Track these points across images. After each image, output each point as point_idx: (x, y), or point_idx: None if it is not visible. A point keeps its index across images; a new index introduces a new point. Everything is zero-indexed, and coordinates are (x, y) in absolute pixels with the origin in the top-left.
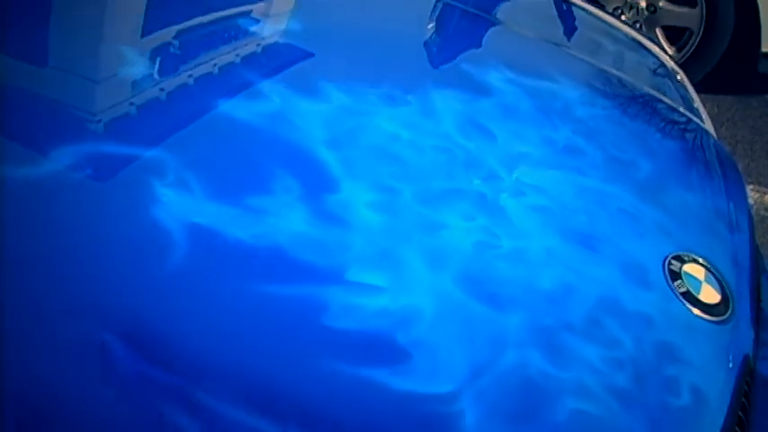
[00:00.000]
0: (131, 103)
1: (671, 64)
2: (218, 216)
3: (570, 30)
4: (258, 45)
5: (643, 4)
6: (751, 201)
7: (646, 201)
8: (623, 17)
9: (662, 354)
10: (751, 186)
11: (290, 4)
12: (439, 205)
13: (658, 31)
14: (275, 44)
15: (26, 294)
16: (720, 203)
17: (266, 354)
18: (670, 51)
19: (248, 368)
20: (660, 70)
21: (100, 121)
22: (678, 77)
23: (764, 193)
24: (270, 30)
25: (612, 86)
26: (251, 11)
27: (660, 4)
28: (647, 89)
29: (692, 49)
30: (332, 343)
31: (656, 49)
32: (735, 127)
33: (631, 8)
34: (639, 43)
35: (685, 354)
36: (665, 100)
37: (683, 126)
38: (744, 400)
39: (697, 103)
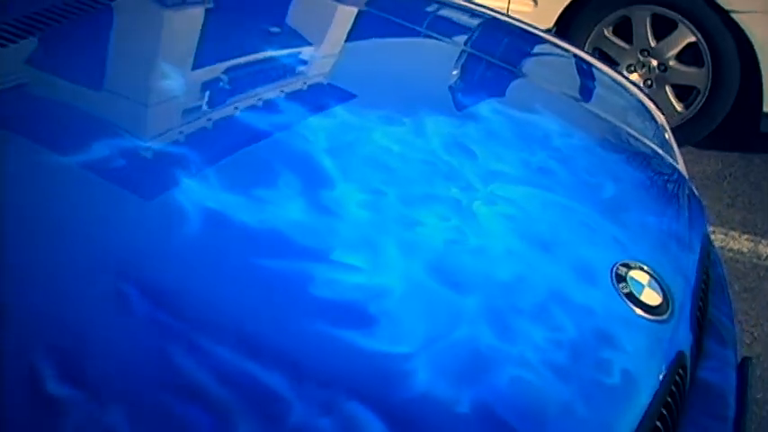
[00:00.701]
0: (166, 111)
1: (653, 108)
2: (229, 202)
3: (559, 71)
4: (281, 71)
5: (654, 63)
6: (745, 249)
7: (605, 217)
8: (636, 74)
9: (599, 340)
10: (746, 236)
11: (318, 41)
12: (418, 207)
13: (668, 89)
14: (296, 70)
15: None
16: (676, 228)
17: (260, 311)
18: (678, 108)
19: (244, 321)
20: (642, 114)
21: (139, 120)
22: (658, 121)
23: (758, 243)
24: (293, 59)
25: (592, 123)
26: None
27: (670, 63)
28: (625, 128)
29: (699, 106)
30: (314, 308)
31: (638, 93)
32: (736, 182)
33: (643, 66)
34: (624, 87)
35: (621, 342)
36: (642, 138)
37: (653, 161)
38: (674, 389)
39: (674, 145)
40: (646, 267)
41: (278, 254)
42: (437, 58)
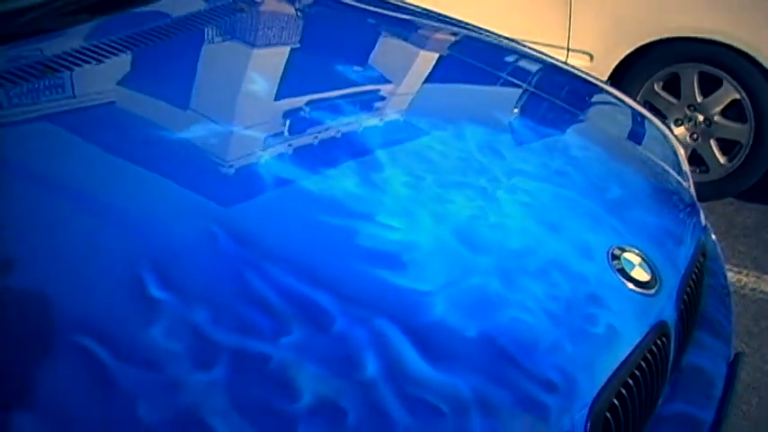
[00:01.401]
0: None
1: (669, 135)
2: (298, 174)
3: (589, 103)
4: (351, 84)
5: (701, 118)
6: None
7: (609, 212)
8: (683, 127)
9: (590, 300)
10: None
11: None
12: (451, 190)
13: (712, 142)
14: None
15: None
16: (673, 228)
17: (317, 251)
18: (722, 161)
19: (303, 256)
20: (657, 139)
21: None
22: (672, 145)
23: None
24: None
25: (609, 141)
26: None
27: (715, 118)
28: (640, 149)
29: (742, 160)
30: (358, 252)
31: (659, 123)
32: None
33: (690, 120)
34: (645, 117)
35: (609, 304)
36: (653, 157)
37: (660, 174)
38: (655, 350)
39: (684, 166)
40: (638, 251)
41: (333, 213)
42: (486, 87)
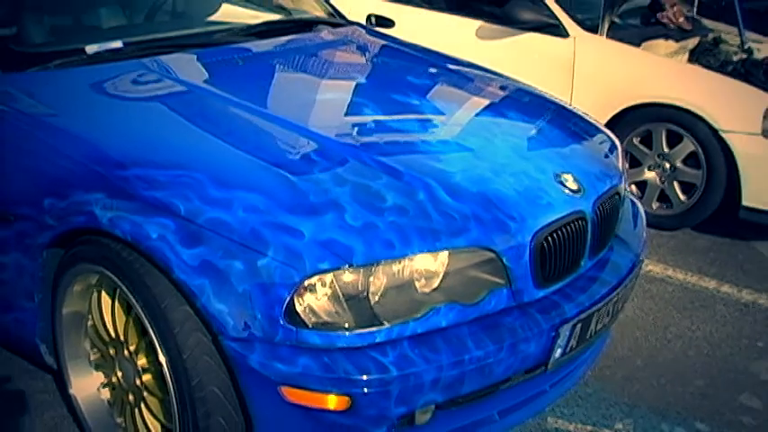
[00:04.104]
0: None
1: (611, 134)
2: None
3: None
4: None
5: (667, 165)
6: (710, 286)
7: (562, 158)
8: (654, 172)
9: (540, 189)
10: (715, 280)
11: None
12: (470, 137)
13: (675, 184)
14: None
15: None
16: (598, 170)
17: (399, 152)
18: (682, 198)
19: (392, 153)
20: (603, 133)
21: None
22: (612, 139)
23: (723, 282)
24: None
25: (563, 118)
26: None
27: (678, 165)
28: (589, 134)
29: (698, 198)
30: (424, 152)
31: (603, 128)
32: (719, 250)
33: (659, 166)
34: (599, 126)
35: (550, 193)
36: (596, 137)
37: (599, 147)
38: (574, 224)
39: (618, 145)
40: (573, 175)
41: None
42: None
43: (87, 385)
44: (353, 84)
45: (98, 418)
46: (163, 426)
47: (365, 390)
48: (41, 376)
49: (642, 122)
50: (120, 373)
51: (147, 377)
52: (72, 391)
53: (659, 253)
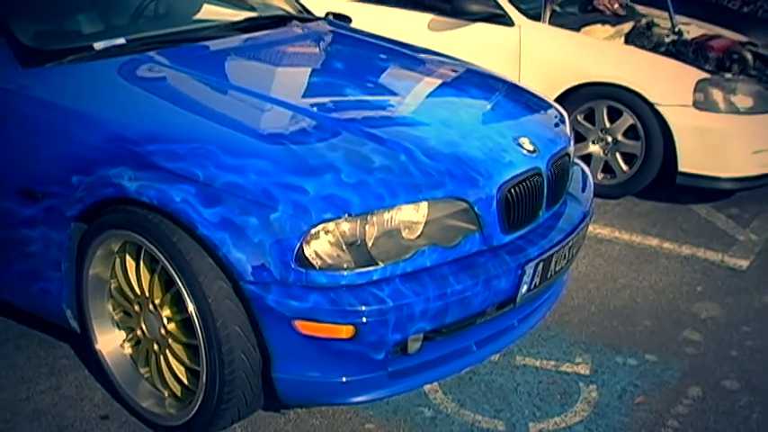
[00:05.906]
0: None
1: (559, 107)
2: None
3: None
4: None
5: (609, 139)
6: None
7: (518, 124)
8: (597, 145)
9: (501, 150)
10: (650, 235)
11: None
12: (439, 109)
13: (618, 156)
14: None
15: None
16: (550, 134)
17: (381, 124)
18: (625, 169)
19: (368, 121)
20: (551, 105)
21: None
22: (560, 110)
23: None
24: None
25: (515, 94)
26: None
27: (619, 138)
28: (543, 107)
29: (638, 168)
30: (402, 123)
31: (552, 102)
32: (658, 213)
33: (602, 140)
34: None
35: (511, 153)
36: (547, 108)
37: (548, 115)
38: (532, 179)
39: (565, 116)
40: (530, 138)
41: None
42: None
43: (111, 341)
44: (333, 69)
45: (122, 369)
46: (187, 368)
47: (366, 319)
48: (59, 345)
49: (585, 101)
50: (144, 327)
51: (171, 326)
52: (98, 346)
53: (606, 218)
